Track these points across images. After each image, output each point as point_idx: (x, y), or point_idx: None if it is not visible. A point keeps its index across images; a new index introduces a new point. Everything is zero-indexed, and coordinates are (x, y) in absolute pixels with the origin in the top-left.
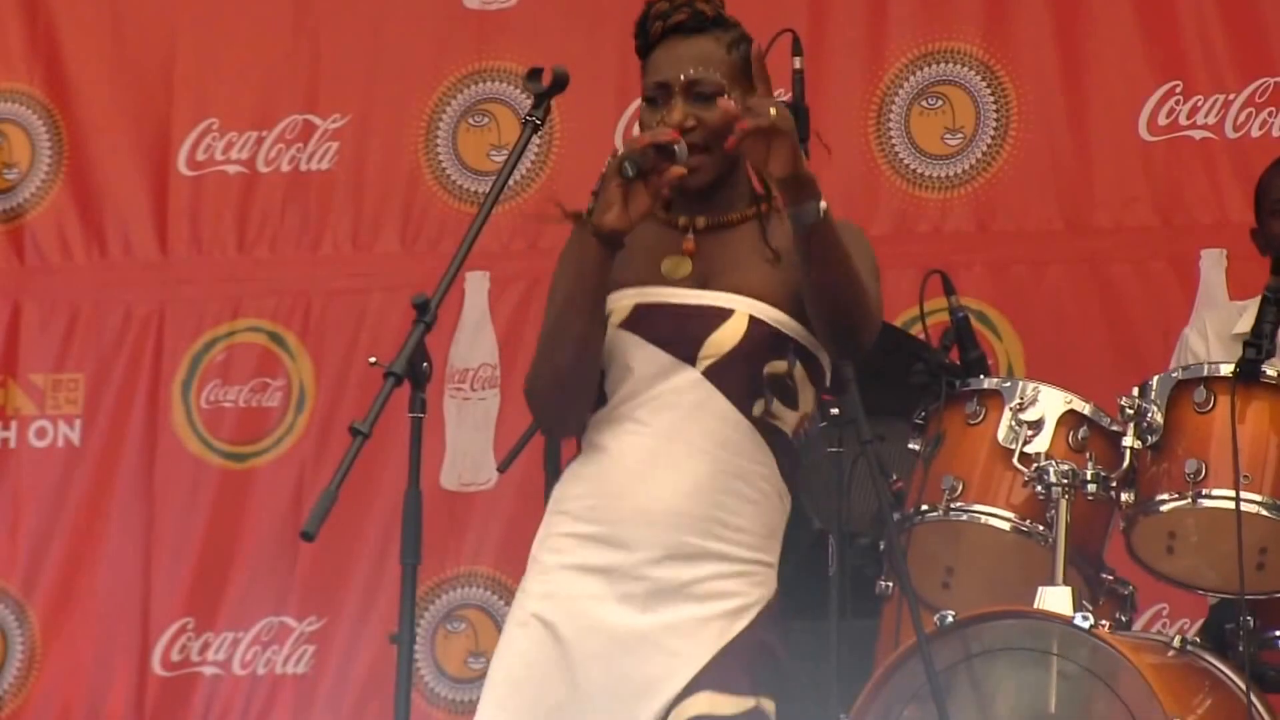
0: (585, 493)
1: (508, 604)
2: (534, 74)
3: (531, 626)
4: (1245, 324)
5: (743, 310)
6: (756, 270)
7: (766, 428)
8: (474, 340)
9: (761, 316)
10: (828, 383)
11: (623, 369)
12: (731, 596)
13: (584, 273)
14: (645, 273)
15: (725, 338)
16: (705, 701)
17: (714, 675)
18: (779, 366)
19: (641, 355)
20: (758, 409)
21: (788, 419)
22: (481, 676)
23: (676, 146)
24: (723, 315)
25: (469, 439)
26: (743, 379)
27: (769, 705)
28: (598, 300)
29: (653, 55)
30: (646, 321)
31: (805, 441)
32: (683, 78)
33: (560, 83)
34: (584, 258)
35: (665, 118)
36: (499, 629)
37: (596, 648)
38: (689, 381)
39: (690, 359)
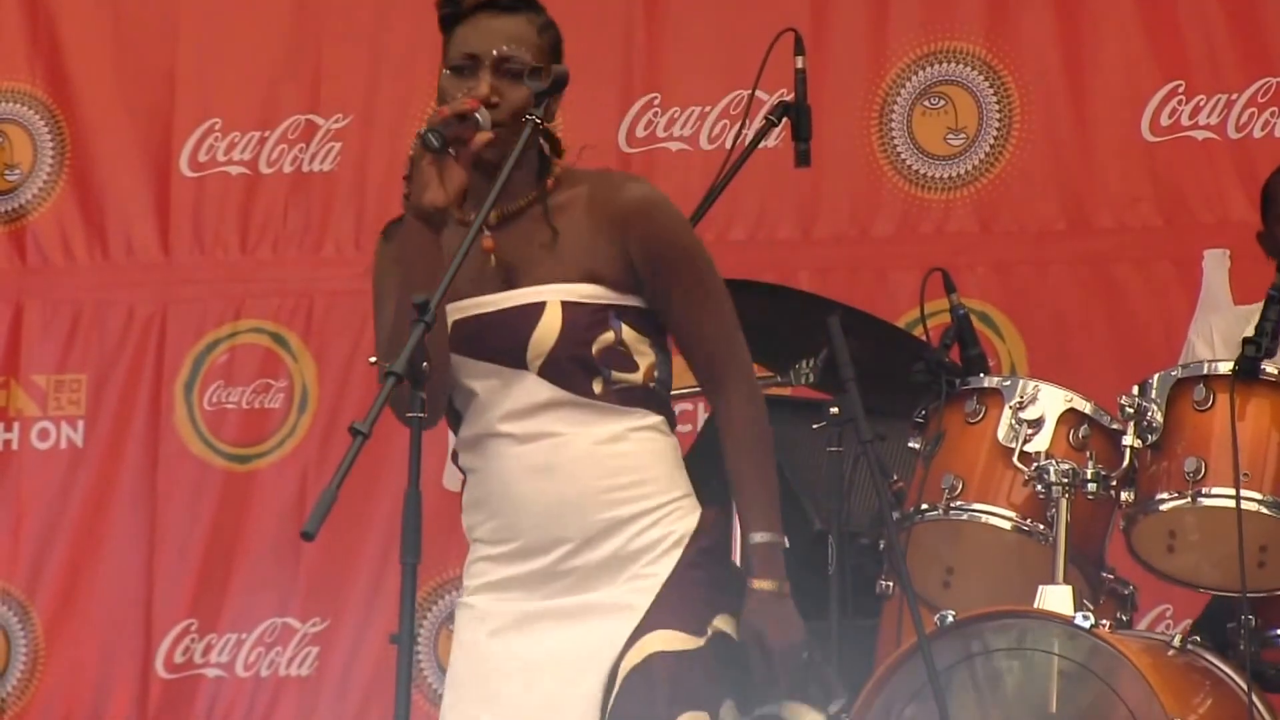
0: (485, 517)
1: None
2: (534, 73)
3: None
4: (1253, 329)
5: (553, 300)
6: (558, 250)
7: (616, 394)
8: None
9: (573, 299)
10: (662, 320)
11: (465, 391)
12: (660, 542)
13: (413, 261)
14: (456, 283)
15: (546, 334)
16: (659, 639)
17: (660, 615)
18: (607, 339)
19: (476, 372)
20: (598, 387)
21: (632, 379)
22: None
23: (479, 114)
24: (536, 311)
25: None
26: (575, 365)
27: (725, 624)
28: (432, 286)
29: (462, 27)
30: (469, 338)
31: (662, 379)
32: (495, 53)
33: (560, 82)
34: (409, 246)
35: (472, 89)
36: None
37: (525, 642)
38: (528, 386)
39: (521, 364)
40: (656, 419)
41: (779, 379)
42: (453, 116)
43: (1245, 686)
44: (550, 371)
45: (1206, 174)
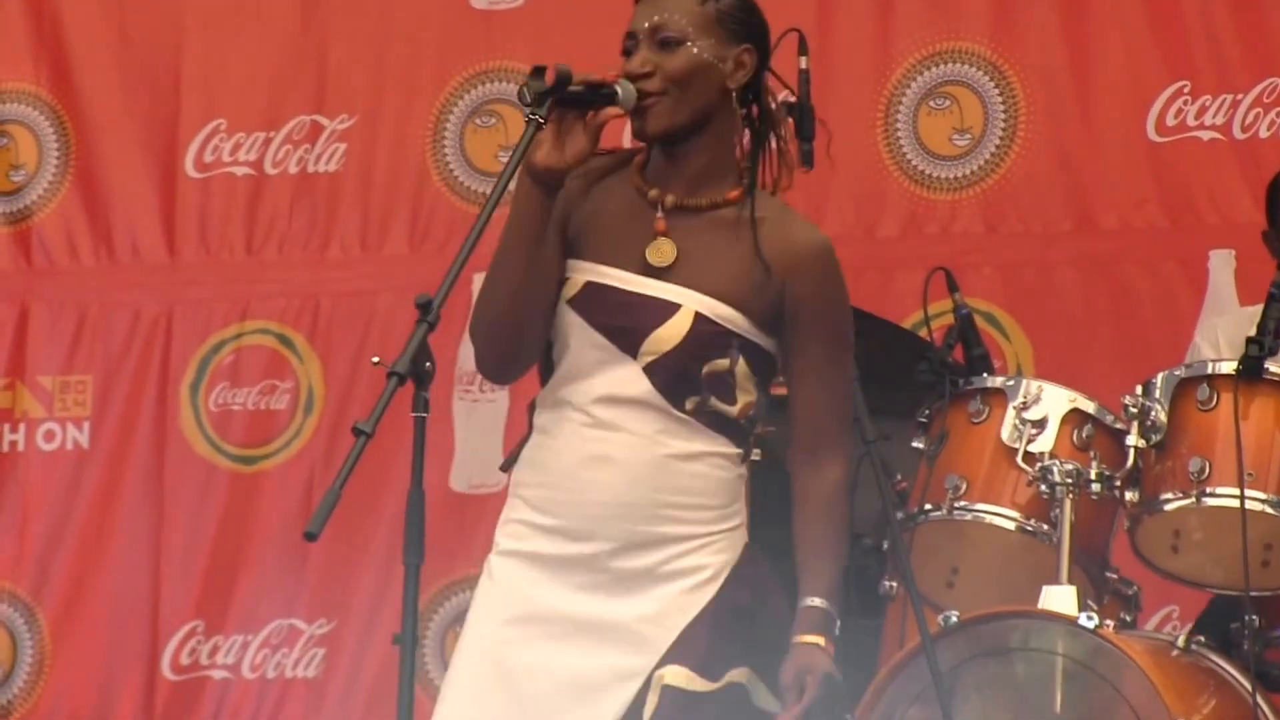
0: (537, 481)
1: None
2: (537, 72)
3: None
4: (1255, 329)
5: (689, 307)
6: (715, 261)
7: (705, 417)
8: None
9: (708, 314)
10: (778, 371)
11: (565, 347)
12: (696, 571)
13: (519, 215)
14: (610, 248)
15: (668, 336)
16: (679, 675)
17: (682, 651)
18: (719, 365)
19: (584, 338)
20: (690, 404)
21: (726, 410)
22: None
23: (619, 87)
24: (669, 310)
25: (478, 441)
26: (680, 377)
27: (741, 677)
28: (534, 245)
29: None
30: (594, 304)
31: (754, 418)
32: (646, 25)
33: (563, 81)
34: (519, 199)
35: (626, 65)
36: None
37: (544, 643)
38: (628, 375)
39: (633, 352)
40: (733, 450)
41: (782, 379)
42: (579, 83)
43: (1249, 687)
44: (655, 373)
45: (1212, 174)
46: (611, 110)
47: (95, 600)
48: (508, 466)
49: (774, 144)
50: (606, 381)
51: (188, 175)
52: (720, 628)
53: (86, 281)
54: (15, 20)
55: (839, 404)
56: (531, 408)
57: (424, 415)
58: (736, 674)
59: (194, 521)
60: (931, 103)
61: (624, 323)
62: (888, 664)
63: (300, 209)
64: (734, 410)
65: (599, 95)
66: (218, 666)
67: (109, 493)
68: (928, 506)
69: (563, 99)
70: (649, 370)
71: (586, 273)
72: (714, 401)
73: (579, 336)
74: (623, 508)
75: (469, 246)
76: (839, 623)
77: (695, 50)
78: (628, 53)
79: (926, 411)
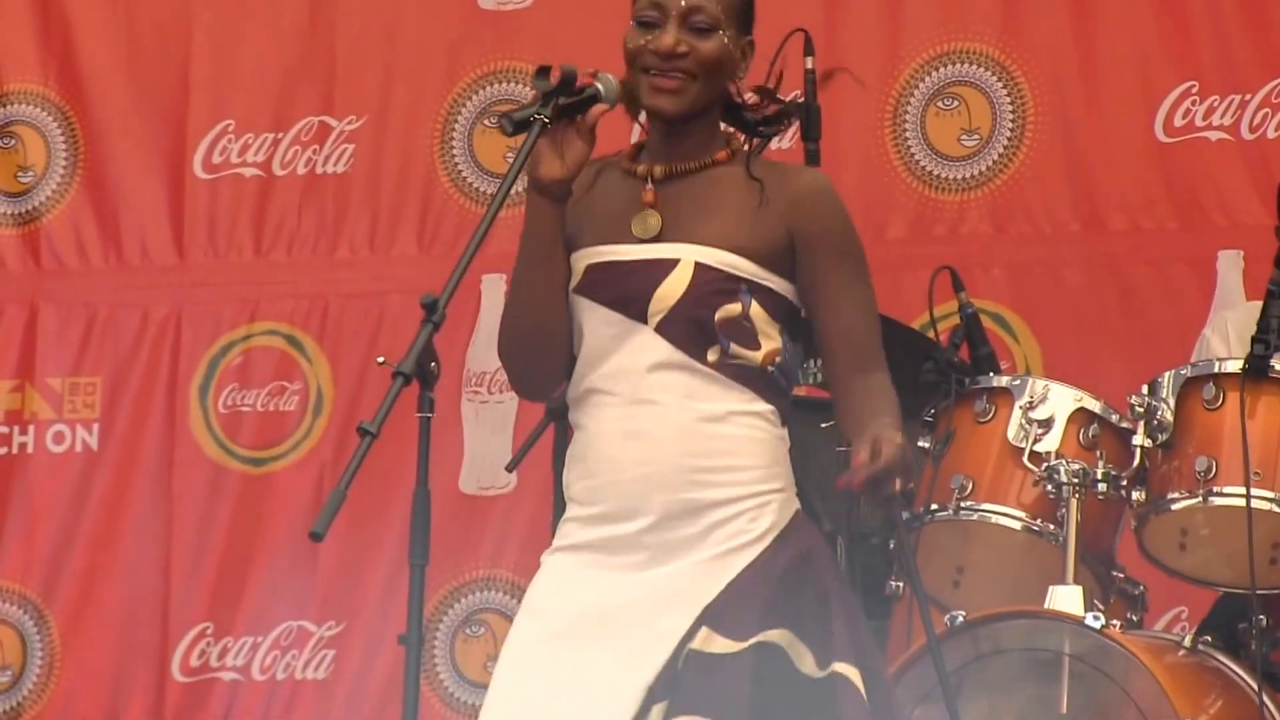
0: (580, 475)
1: None
2: (542, 72)
3: (527, 619)
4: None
5: (688, 258)
6: (711, 215)
7: (730, 369)
8: (491, 344)
9: (708, 261)
10: (801, 311)
11: (581, 336)
12: (741, 534)
13: (531, 230)
14: (604, 230)
15: (671, 290)
16: (702, 637)
17: (716, 613)
18: (732, 310)
19: (595, 319)
20: (713, 355)
21: (750, 357)
22: None
23: (599, 84)
24: (669, 266)
25: (487, 443)
26: (694, 328)
27: (778, 635)
28: (550, 258)
29: None
30: (598, 283)
31: (784, 367)
32: (684, 4)
33: (568, 81)
34: (532, 217)
35: (655, 41)
36: None
37: (591, 627)
38: (644, 340)
39: (642, 317)
40: (766, 407)
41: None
42: (551, 92)
43: (1256, 687)
44: (668, 329)
45: (1220, 175)
46: (599, 108)
47: (105, 602)
48: (513, 466)
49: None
50: (624, 354)
51: (196, 176)
52: (758, 589)
53: (95, 283)
54: (23, 21)
55: (873, 322)
56: (549, 413)
57: (429, 415)
58: (773, 635)
59: (203, 523)
60: (939, 103)
61: (628, 291)
62: (894, 664)
63: (309, 210)
64: (758, 356)
65: (583, 99)
66: (227, 668)
67: (118, 494)
68: (934, 506)
69: (515, 128)
70: (661, 329)
71: (586, 258)
72: (736, 349)
73: (591, 320)
74: (659, 478)
75: (473, 247)
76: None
77: (725, 40)
78: (646, 24)
79: (932, 411)
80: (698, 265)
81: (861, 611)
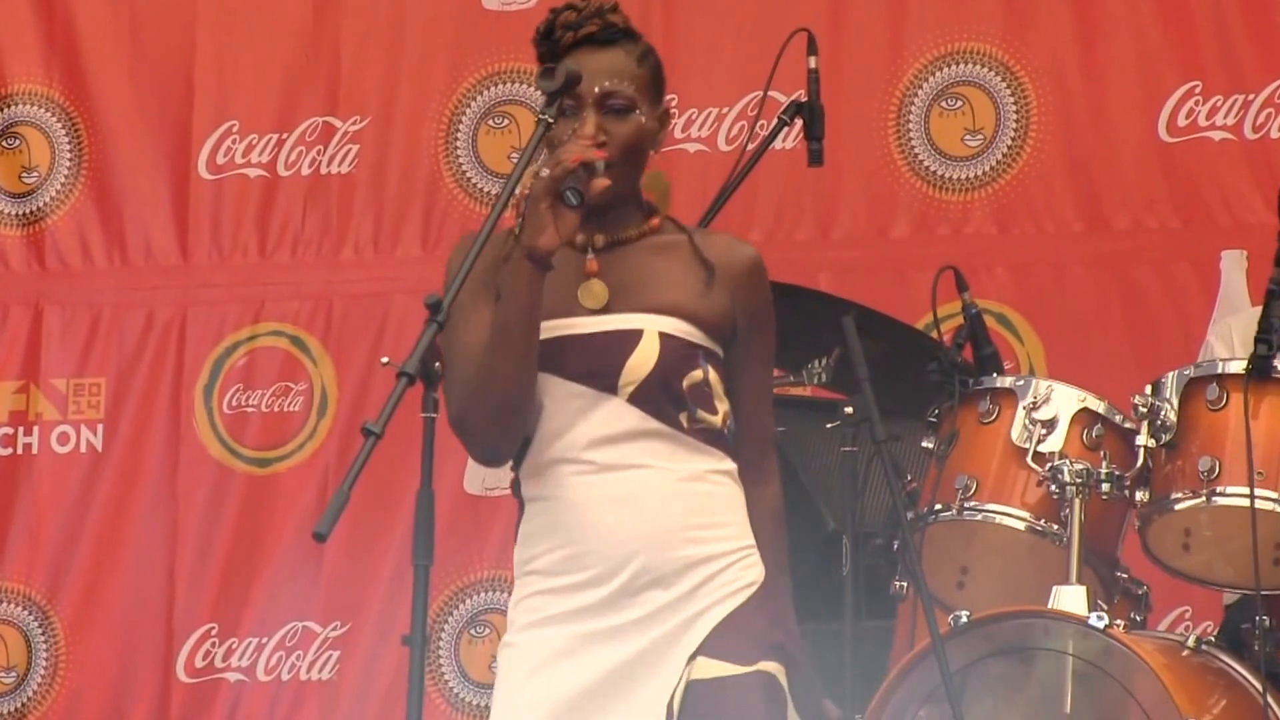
0: (552, 546)
1: None
2: (546, 73)
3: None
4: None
5: (652, 329)
6: (659, 284)
7: (699, 433)
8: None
9: (670, 331)
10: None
11: (541, 409)
12: (730, 583)
13: (518, 301)
14: (550, 301)
15: (641, 361)
16: (702, 667)
17: (713, 645)
18: (695, 376)
19: (560, 392)
20: (684, 421)
21: (712, 421)
22: None
23: (597, 163)
24: (634, 338)
25: None
26: (665, 396)
27: (775, 668)
28: (533, 325)
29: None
30: (558, 356)
31: (733, 427)
32: (596, 90)
33: (572, 81)
34: (516, 285)
35: (578, 130)
36: None
37: (586, 700)
38: (614, 411)
39: (612, 389)
40: (731, 465)
41: (793, 379)
42: (580, 168)
43: (1260, 687)
44: (640, 399)
45: (1223, 175)
46: (600, 182)
47: (109, 603)
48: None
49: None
50: (594, 425)
51: (201, 177)
52: (753, 625)
53: (100, 284)
54: (27, 22)
55: (769, 404)
56: (514, 489)
57: (433, 416)
58: (771, 666)
59: (208, 524)
60: (943, 103)
61: (594, 364)
62: (898, 664)
63: (313, 210)
64: (717, 421)
65: (587, 171)
66: (232, 669)
67: (123, 495)
68: (938, 507)
69: (579, 200)
70: (634, 400)
71: (542, 331)
72: (701, 414)
73: (554, 392)
74: (648, 540)
75: (478, 247)
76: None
77: (643, 119)
78: (567, 112)
79: (936, 411)
80: (662, 335)
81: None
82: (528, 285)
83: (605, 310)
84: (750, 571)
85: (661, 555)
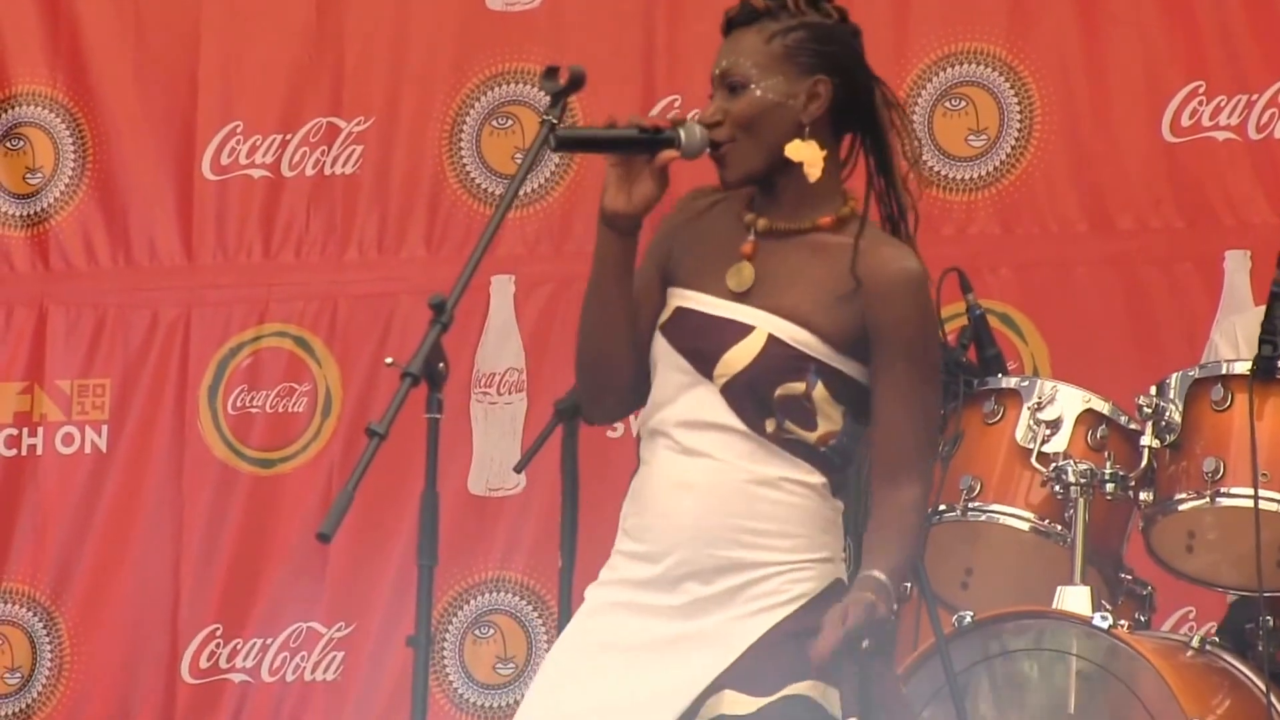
0: (633, 510)
1: (537, 610)
2: (550, 73)
3: (572, 637)
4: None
5: (763, 329)
6: (797, 285)
7: (784, 442)
8: (500, 344)
9: (782, 336)
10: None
11: (655, 373)
12: (771, 595)
13: (597, 256)
14: (701, 271)
15: (739, 357)
16: (727, 701)
17: (738, 674)
18: (794, 388)
19: (670, 362)
20: (769, 427)
21: (805, 436)
22: (511, 682)
23: (682, 131)
24: (743, 332)
25: (496, 444)
26: (754, 398)
27: (807, 687)
28: (616, 286)
29: None
30: (679, 328)
31: (839, 448)
32: (716, 71)
33: (576, 82)
34: (598, 243)
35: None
36: (528, 635)
37: (620, 661)
38: (707, 397)
39: (709, 374)
40: (819, 480)
41: None
42: (639, 128)
43: (1264, 687)
44: (730, 393)
45: (1227, 175)
46: (669, 153)
47: (114, 604)
48: (521, 467)
49: (880, 182)
50: (688, 405)
51: (205, 177)
52: (783, 647)
53: (104, 284)
54: (31, 23)
55: (920, 429)
56: (558, 413)
57: (437, 416)
58: (799, 688)
59: (213, 524)
60: (947, 104)
61: (702, 345)
62: (903, 665)
63: (318, 211)
64: (812, 437)
65: (660, 139)
66: (237, 670)
67: (127, 496)
68: (942, 507)
69: (625, 145)
70: (725, 391)
71: (677, 298)
72: (789, 425)
73: (665, 361)
74: (702, 532)
75: (482, 248)
76: (895, 595)
77: (759, 93)
78: (712, 96)
79: (941, 412)
80: (770, 338)
81: (895, 675)
82: (604, 248)
83: (743, 297)
84: (803, 584)
85: (701, 550)
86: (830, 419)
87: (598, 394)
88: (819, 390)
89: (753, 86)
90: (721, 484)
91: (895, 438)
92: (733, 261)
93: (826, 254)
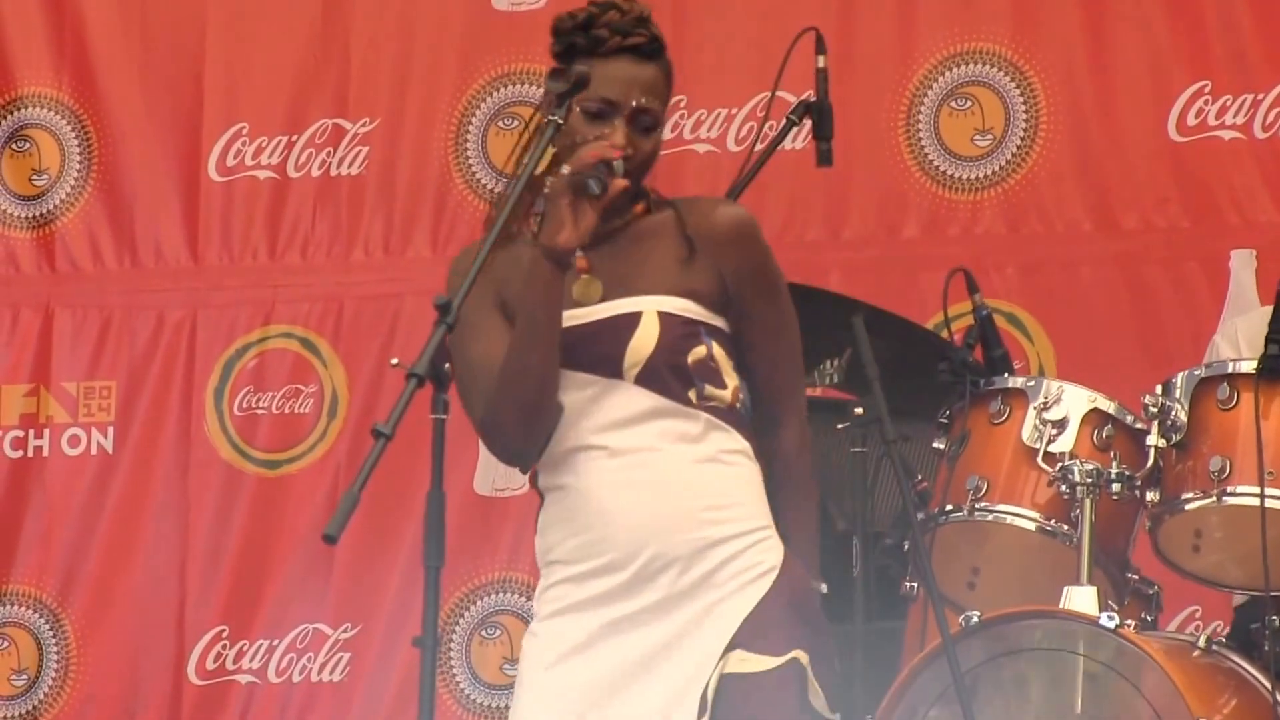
0: (569, 534)
1: None
2: (554, 74)
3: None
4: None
5: (650, 309)
6: (650, 266)
7: (710, 410)
8: None
9: (669, 309)
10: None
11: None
12: (751, 568)
13: (541, 300)
14: None
15: (643, 342)
16: (736, 660)
17: (746, 634)
18: (700, 352)
19: (571, 383)
20: (693, 396)
21: (722, 397)
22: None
23: (615, 162)
24: (634, 320)
25: None
26: (672, 374)
27: (804, 657)
28: (556, 324)
29: (600, 66)
30: (568, 352)
31: (748, 403)
32: (634, 104)
33: (581, 83)
34: (539, 285)
35: (609, 136)
36: None
37: (591, 663)
38: (624, 394)
39: (617, 374)
40: (745, 444)
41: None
42: (602, 163)
43: (1270, 687)
44: (647, 380)
45: (1233, 174)
46: (620, 182)
47: (120, 605)
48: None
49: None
50: (607, 410)
51: (211, 179)
52: (781, 610)
53: (110, 286)
54: (37, 25)
55: (790, 365)
56: (532, 481)
57: (443, 417)
58: (800, 654)
59: (219, 526)
60: (953, 103)
61: (599, 352)
62: (909, 665)
63: (323, 212)
64: (727, 395)
65: (609, 173)
66: (243, 671)
67: (133, 497)
68: (948, 507)
69: (601, 190)
70: (640, 381)
71: None
72: (709, 390)
73: (567, 386)
74: (663, 522)
75: (487, 248)
76: (824, 588)
77: (659, 138)
78: (594, 115)
79: (947, 412)
80: (661, 314)
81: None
82: (548, 284)
83: (606, 298)
84: (770, 555)
85: (675, 538)
86: (732, 375)
87: (536, 438)
88: (716, 349)
89: (659, 130)
90: (667, 471)
91: (774, 376)
92: (571, 282)
93: (655, 233)
